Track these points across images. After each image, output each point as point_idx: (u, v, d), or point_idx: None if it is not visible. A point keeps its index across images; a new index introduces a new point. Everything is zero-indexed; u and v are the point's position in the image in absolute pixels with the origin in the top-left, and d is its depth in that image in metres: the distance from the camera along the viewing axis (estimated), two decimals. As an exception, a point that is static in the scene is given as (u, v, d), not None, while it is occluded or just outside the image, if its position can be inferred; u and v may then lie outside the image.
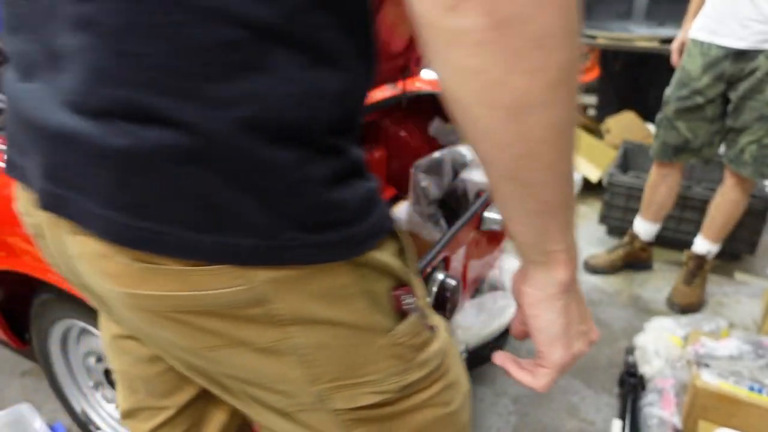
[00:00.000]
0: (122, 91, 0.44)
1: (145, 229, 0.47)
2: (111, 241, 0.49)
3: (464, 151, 1.85)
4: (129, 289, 0.50)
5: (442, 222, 1.89)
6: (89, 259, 0.52)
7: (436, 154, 1.81)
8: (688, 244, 2.70)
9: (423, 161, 1.82)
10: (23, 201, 0.60)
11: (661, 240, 2.85)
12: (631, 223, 2.77)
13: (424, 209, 1.87)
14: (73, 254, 0.54)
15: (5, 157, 0.59)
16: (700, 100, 2.17)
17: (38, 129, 0.49)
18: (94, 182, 0.47)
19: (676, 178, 2.49)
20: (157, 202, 0.46)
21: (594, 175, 3.43)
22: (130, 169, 0.45)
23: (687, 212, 2.85)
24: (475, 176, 1.74)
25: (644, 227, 2.69)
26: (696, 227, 2.82)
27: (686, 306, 2.50)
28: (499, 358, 0.64)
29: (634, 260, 2.77)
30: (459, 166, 1.85)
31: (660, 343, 2.10)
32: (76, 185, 0.49)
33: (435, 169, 1.82)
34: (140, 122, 0.44)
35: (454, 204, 1.91)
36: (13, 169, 0.58)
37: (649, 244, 2.75)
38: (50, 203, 0.52)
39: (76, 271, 0.57)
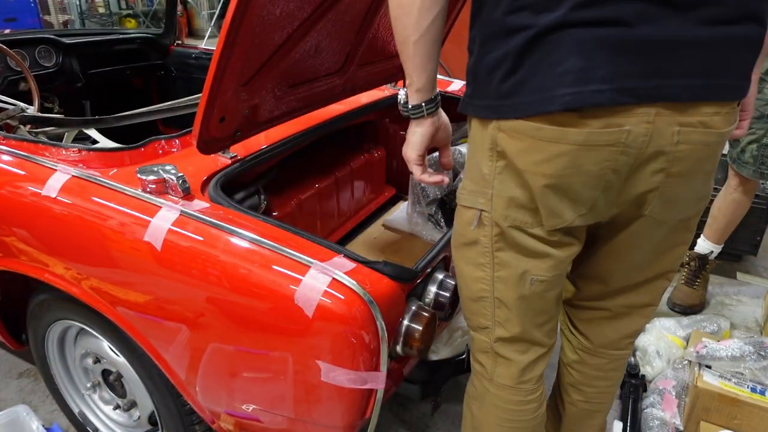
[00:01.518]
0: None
1: (738, 86, 0.86)
2: (729, 100, 0.86)
3: (464, 150, 1.84)
4: (723, 129, 0.88)
5: (442, 222, 1.87)
6: (702, 124, 0.85)
7: (435, 154, 1.81)
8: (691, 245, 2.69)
9: None
10: (622, 117, 0.83)
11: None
12: None
13: (424, 209, 1.86)
14: (679, 130, 0.84)
15: (606, 93, 0.81)
16: None
17: (689, 46, 0.80)
18: (734, 65, 0.84)
19: (741, 195, 2.42)
20: (746, 72, 0.87)
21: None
22: (755, 50, 0.86)
23: (708, 215, 2.83)
24: None
25: None
26: (700, 228, 2.80)
27: (688, 307, 2.48)
28: None
29: None
30: (459, 166, 1.84)
31: (661, 344, 2.08)
32: (720, 72, 0.83)
33: (434, 169, 1.81)
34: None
35: (453, 203, 1.90)
36: (629, 94, 0.82)
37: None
38: (701, 93, 0.83)
39: (662, 151, 0.86)
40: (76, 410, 1.73)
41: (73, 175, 1.24)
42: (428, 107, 1.03)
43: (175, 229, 1.10)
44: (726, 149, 2.31)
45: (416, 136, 1.07)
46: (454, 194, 1.85)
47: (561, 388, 1.41)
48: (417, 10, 0.89)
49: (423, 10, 0.89)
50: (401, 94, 1.04)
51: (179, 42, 2.92)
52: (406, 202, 1.97)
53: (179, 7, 2.85)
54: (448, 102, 2.13)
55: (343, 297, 0.98)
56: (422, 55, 0.95)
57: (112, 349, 1.45)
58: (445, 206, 1.91)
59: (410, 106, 1.03)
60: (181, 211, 1.13)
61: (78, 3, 8.87)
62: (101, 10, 9.47)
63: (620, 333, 1.24)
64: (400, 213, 2.09)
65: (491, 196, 0.97)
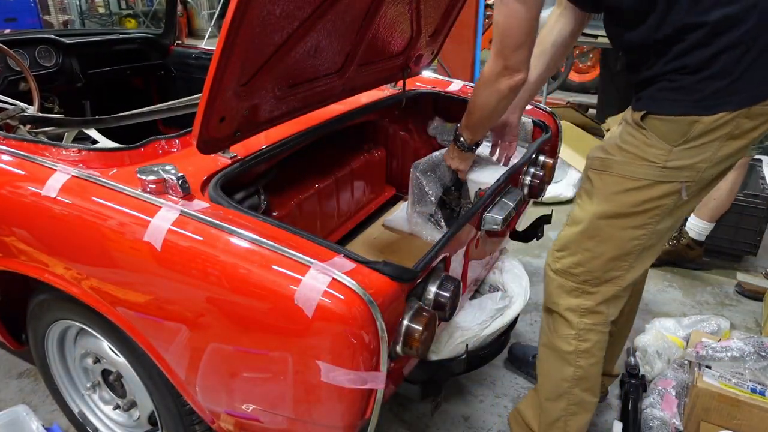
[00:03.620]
0: None
1: None
2: None
3: None
4: None
5: (442, 222, 1.87)
6: None
7: (435, 154, 1.80)
8: (704, 249, 2.71)
9: (422, 161, 1.80)
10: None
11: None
12: None
13: (424, 209, 1.86)
14: None
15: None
16: None
17: None
18: None
19: (736, 173, 2.41)
20: None
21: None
22: None
23: None
24: (475, 176, 1.72)
25: (697, 226, 2.66)
26: (716, 230, 2.79)
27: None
28: None
29: (679, 258, 2.72)
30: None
31: (661, 344, 2.08)
32: None
33: (434, 168, 1.81)
34: None
35: (453, 203, 1.89)
36: None
37: (699, 243, 2.69)
38: None
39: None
40: (76, 410, 1.73)
41: (72, 175, 1.24)
42: (476, 147, 1.62)
43: (175, 229, 1.10)
44: None
45: (466, 163, 1.68)
46: (453, 193, 1.85)
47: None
48: (489, 115, 1.45)
49: (495, 116, 1.47)
50: (458, 132, 1.60)
51: (179, 42, 2.92)
52: (406, 202, 1.97)
53: (179, 7, 2.85)
54: (447, 102, 2.14)
55: (342, 297, 0.98)
56: (484, 130, 1.56)
57: (111, 349, 1.45)
58: (445, 206, 1.91)
59: (470, 147, 1.61)
60: (181, 211, 1.13)
61: (78, 3, 8.87)
62: (101, 10, 9.47)
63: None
64: (400, 213, 2.09)
65: (704, 169, 1.24)
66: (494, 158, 1.80)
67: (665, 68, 1.19)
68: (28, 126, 1.66)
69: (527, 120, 2.00)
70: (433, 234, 1.86)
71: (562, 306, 1.45)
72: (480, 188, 1.68)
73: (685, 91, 1.18)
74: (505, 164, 1.78)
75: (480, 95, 1.41)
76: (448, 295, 1.24)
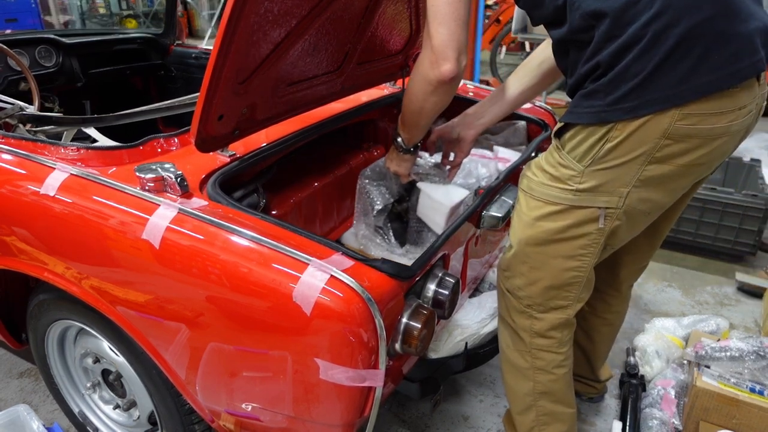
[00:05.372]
0: None
1: None
2: None
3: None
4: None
5: (390, 235, 1.73)
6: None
7: (381, 160, 1.68)
8: (704, 249, 2.68)
9: (369, 168, 1.69)
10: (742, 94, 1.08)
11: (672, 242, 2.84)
12: None
13: (370, 221, 1.70)
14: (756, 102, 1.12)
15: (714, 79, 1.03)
16: None
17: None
18: None
19: None
20: None
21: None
22: None
23: (707, 215, 2.83)
24: (427, 186, 1.61)
25: None
26: (716, 231, 2.79)
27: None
28: None
29: None
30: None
31: (660, 344, 2.08)
32: None
33: (382, 175, 1.68)
34: None
35: (403, 213, 1.76)
36: (738, 76, 1.05)
37: None
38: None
39: (742, 122, 1.11)
40: (76, 410, 1.73)
41: (71, 174, 1.24)
42: (415, 149, 1.51)
43: (173, 227, 1.10)
44: None
45: (405, 166, 1.55)
46: (405, 203, 1.75)
47: (590, 327, 1.73)
48: (418, 109, 1.32)
49: (425, 112, 1.33)
50: (399, 139, 1.49)
51: (179, 42, 2.93)
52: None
53: (179, 8, 2.85)
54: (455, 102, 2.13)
55: (341, 295, 0.98)
56: (419, 129, 1.44)
57: (111, 349, 1.45)
58: (399, 218, 1.76)
59: (408, 148, 1.50)
60: (180, 209, 1.13)
61: (79, 3, 8.88)
62: (102, 10, 9.47)
63: (637, 266, 1.62)
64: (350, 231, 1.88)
65: (625, 194, 1.15)
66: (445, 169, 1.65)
67: (582, 71, 1.11)
68: (28, 125, 1.67)
69: (521, 124, 2.00)
70: (378, 249, 1.70)
71: (516, 323, 1.39)
72: (479, 186, 1.68)
73: (599, 96, 1.09)
74: (450, 178, 1.65)
75: (410, 84, 1.29)
76: (447, 293, 1.24)
